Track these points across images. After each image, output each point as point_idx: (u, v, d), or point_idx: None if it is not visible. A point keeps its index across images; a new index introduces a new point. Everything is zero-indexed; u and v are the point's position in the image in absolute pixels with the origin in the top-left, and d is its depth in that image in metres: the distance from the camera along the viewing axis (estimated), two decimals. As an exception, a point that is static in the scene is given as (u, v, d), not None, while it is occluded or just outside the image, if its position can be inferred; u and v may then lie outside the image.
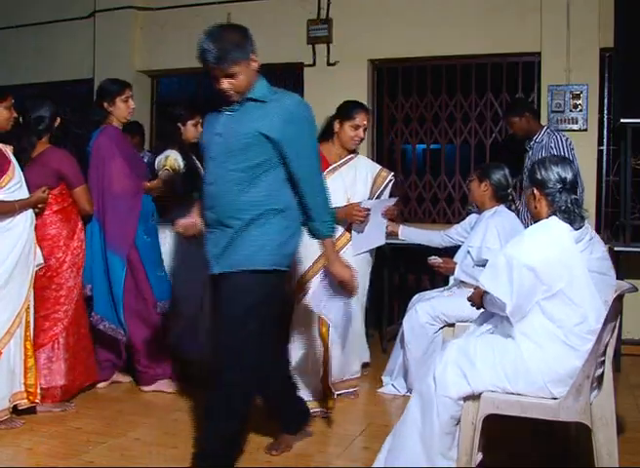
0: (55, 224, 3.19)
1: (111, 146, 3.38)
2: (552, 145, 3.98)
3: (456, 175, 4.98)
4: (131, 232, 3.39)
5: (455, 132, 4.96)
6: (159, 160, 3.68)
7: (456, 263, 3.36)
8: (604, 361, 2.21)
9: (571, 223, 2.20)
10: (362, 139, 3.31)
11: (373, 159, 4.20)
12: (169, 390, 3.47)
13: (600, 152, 4.63)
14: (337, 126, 3.26)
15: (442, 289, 3.56)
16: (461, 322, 3.05)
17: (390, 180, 3.39)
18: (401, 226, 3.80)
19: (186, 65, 5.36)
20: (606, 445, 2.15)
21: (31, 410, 3.05)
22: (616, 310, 2.16)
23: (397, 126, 5.09)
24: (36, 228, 3.07)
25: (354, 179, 3.29)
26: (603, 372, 2.21)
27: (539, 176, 2.25)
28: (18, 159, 3.04)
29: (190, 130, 3.76)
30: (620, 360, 3.92)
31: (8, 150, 3.01)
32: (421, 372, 2.53)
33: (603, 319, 2.11)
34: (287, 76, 5.34)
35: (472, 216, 3.62)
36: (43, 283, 3.14)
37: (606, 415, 2.16)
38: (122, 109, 3.43)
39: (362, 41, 4.91)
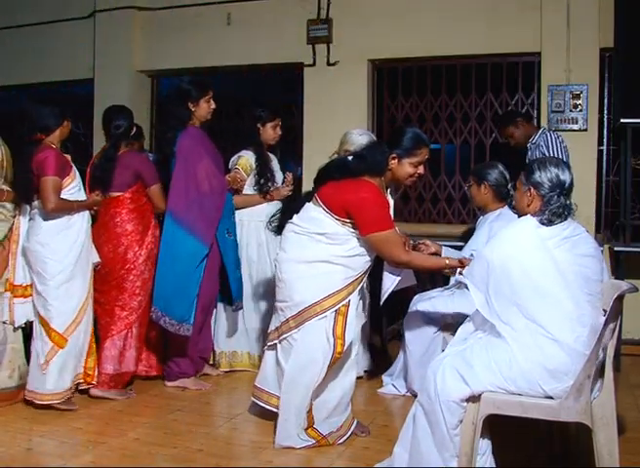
0: (132, 221, 3.45)
1: (197, 147, 3.46)
2: (542, 143, 4.02)
3: (456, 175, 4.98)
4: (213, 229, 3.48)
5: (455, 132, 4.96)
6: (233, 159, 3.85)
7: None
8: (604, 361, 2.21)
9: (549, 223, 2.22)
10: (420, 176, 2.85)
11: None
12: (193, 387, 3.53)
13: (600, 152, 4.63)
14: (393, 162, 2.72)
15: (442, 289, 3.56)
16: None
17: None
18: (443, 247, 3.26)
19: (186, 65, 5.41)
20: (607, 445, 2.14)
21: (84, 392, 3.33)
22: (616, 310, 2.16)
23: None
24: (117, 225, 3.42)
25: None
26: (603, 372, 2.21)
27: (537, 177, 2.26)
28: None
29: (269, 131, 3.86)
30: (620, 360, 3.92)
31: (68, 158, 3.28)
32: (421, 377, 2.53)
33: (582, 307, 2.14)
34: (287, 76, 5.35)
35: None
36: (122, 275, 3.42)
37: (606, 415, 2.16)
38: (204, 109, 3.53)
39: (362, 41, 4.91)
